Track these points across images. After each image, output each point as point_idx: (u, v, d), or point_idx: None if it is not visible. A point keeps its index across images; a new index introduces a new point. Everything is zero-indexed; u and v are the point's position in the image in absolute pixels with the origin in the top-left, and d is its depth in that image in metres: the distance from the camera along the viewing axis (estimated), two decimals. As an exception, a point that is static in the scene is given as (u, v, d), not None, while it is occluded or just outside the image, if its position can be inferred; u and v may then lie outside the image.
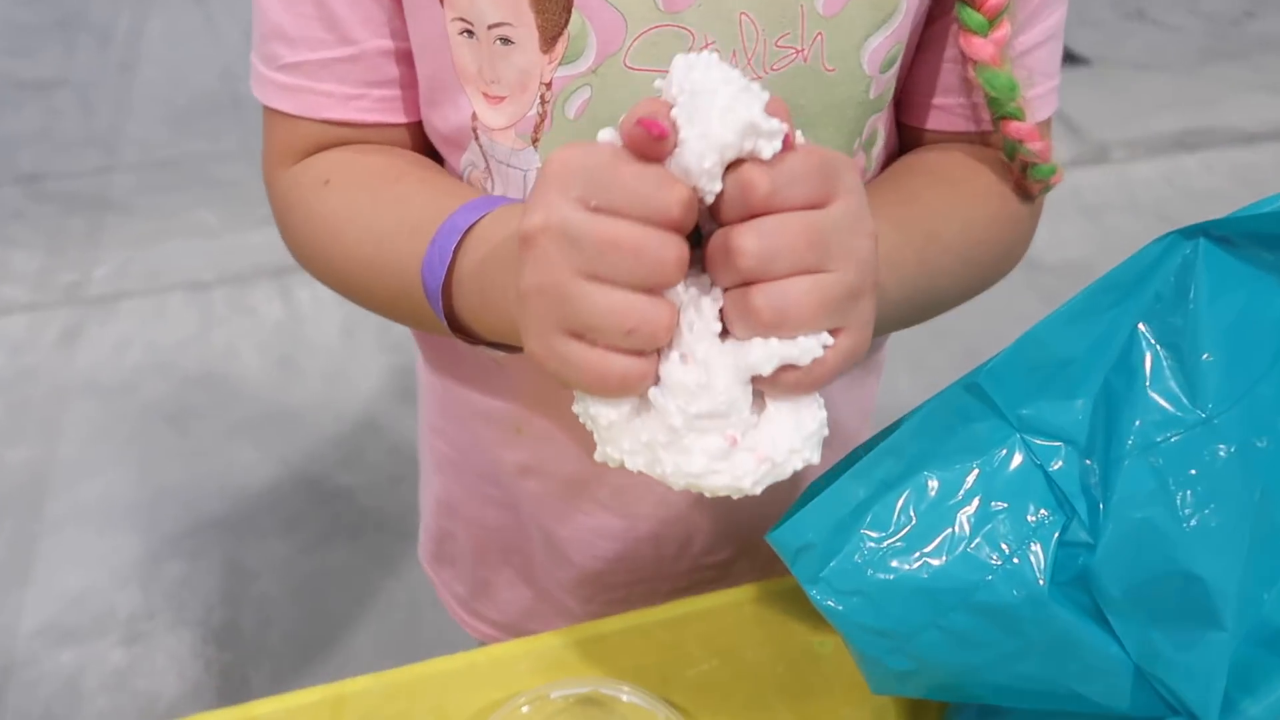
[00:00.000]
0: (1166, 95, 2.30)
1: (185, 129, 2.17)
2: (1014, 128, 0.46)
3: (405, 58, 0.48)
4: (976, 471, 0.38)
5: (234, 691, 1.24)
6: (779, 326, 0.33)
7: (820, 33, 0.44)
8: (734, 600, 0.51)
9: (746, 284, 0.33)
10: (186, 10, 2.57)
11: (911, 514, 0.37)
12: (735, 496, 0.35)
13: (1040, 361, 0.38)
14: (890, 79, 0.47)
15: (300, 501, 1.46)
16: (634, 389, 0.34)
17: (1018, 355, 0.38)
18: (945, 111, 0.51)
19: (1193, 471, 0.35)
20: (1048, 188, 0.49)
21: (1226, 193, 2.07)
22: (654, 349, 0.34)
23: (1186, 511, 0.35)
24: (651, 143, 0.32)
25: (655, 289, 0.33)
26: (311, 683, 1.34)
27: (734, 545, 0.61)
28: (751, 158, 0.32)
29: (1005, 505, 0.37)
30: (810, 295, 0.33)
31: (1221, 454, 0.36)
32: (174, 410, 1.59)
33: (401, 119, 0.49)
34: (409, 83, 0.48)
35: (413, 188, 0.47)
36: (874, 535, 0.37)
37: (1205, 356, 0.36)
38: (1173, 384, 0.37)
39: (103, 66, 2.40)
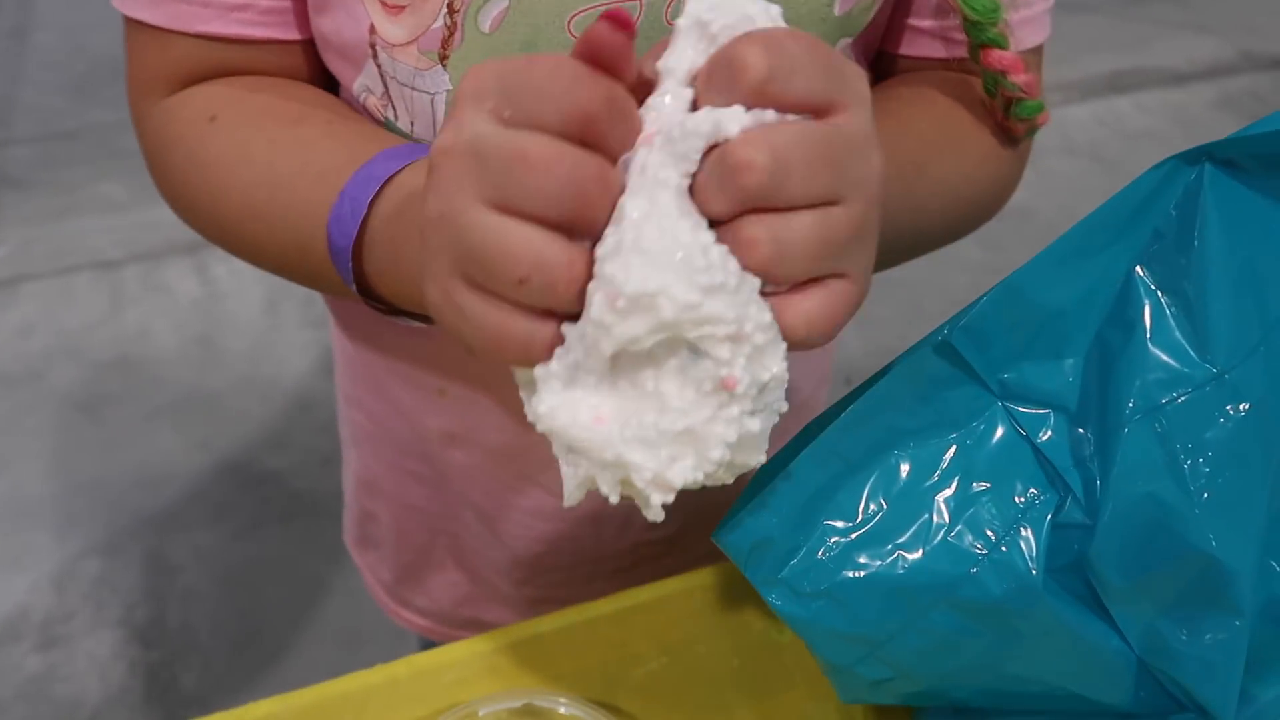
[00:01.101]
0: (1097, 37, 2.29)
1: (86, 98, 2.05)
2: (995, 56, 0.41)
3: None
4: (954, 447, 0.33)
5: (162, 693, 1.18)
6: (775, 267, 0.26)
7: None
8: (683, 588, 0.46)
9: (741, 213, 0.26)
10: (82, -31, 2.42)
11: (881, 500, 0.32)
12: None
13: (1022, 316, 0.33)
14: None
15: (226, 488, 1.39)
16: (535, 357, 0.27)
17: (995, 308, 0.32)
18: (920, 34, 0.46)
19: (1204, 436, 0.31)
20: (1034, 129, 0.44)
21: (1161, 133, 2.08)
22: (557, 308, 0.27)
23: (1198, 484, 0.30)
24: (609, 40, 0.26)
25: (577, 222, 0.26)
26: (245, 679, 1.27)
27: (679, 518, 0.56)
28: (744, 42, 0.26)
29: (989, 485, 0.32)
30: (816, 231, 0.26)
31: (1236, 414, 0.31)
32: (85, 397, 1.50)
33: (294, 35, 0.42)
34: None
35: (319, 129, 0.40)
36: (839, 526, 0.32)
37: (1215, 301, 0.31)
38: (1178, 335, 0.32)
39: (-8, 32, 2.25)
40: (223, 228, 0.43)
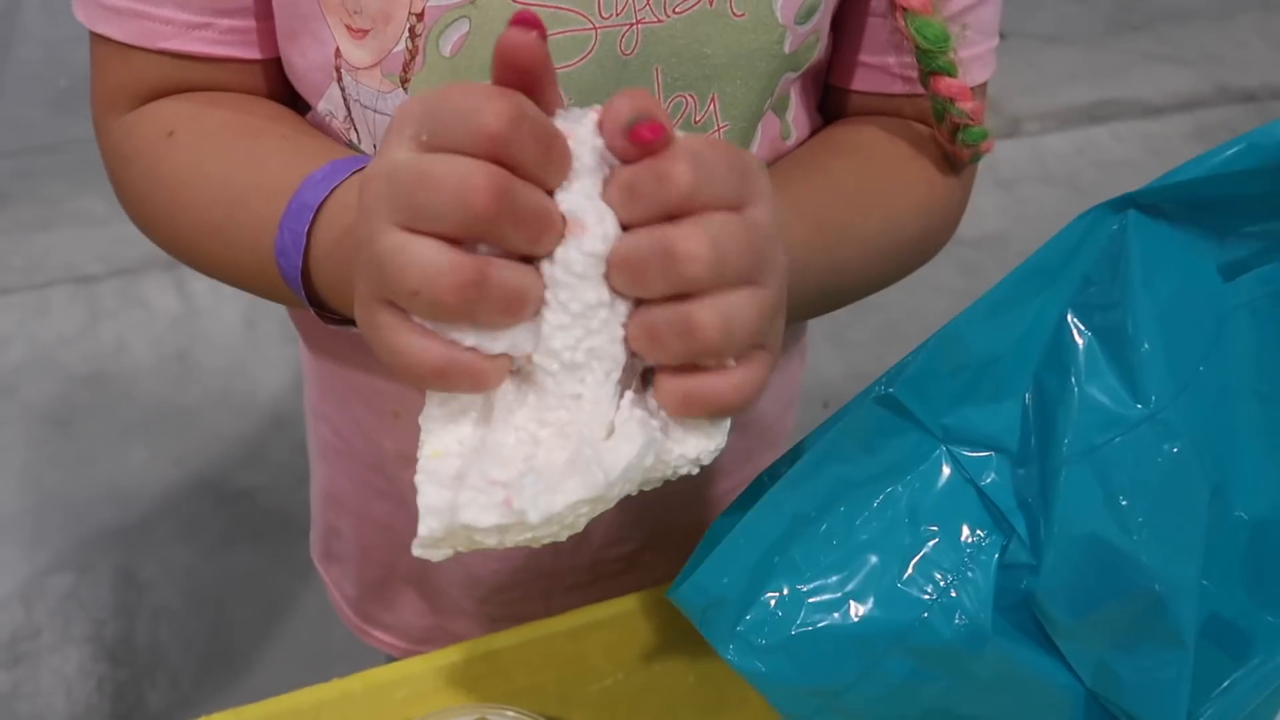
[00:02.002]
0: (1076, 67, 2.33)
1: (66, 112, 2.04)
2: (945, 84, 0.42)
3: None
4: (901, 494, 0.34)
5: (129, 711, 1.17)
6: (723, 346, 0.28)
7: None
8: (640, 605, 0.46)
9: (679, 297, 0.28)
10: (67, -15, 2.42)
11: (831, 551, 0.33)
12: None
13: (961, 362, 0.34)
14: (808, 34, 0.43)
15: (198, 504, 1.38)
16: (450, 384, 0.28)
17: (935, 357, 0.34)
18: (870, 70, 0.47)
19: (1140, 475, 0.32)
20: (978, 155, 0.46)
21: (1136, 162, 2.10)
22: (449, 320, 0.28)
23: (1137, 521, 0.31)
24: (520, 43, 0.27)
25: (470, 232, 0.27)
26: (214, 698, 1.26)
27: (639, 536, 0.57)
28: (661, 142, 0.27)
29: (936, 529, 0.33)
30: (752, 309, 0.28)
31: (1170, 452, 0.32)
32: (59, 412, 1.49)
33: (255, 54, 0.43)
34: (263, 14, 0.42)
35: (273, 144, 0.41)
36: (791, 580, 0.33)
37: (1144, 343, 0.32)
38: (1111, 377, 0.33)
39: (-25, 46, 2.25)
40: (182, 243, 0.43)
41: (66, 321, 1.63)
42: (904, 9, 0.41)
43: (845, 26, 0.46)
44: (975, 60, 0.46)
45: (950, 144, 0.45)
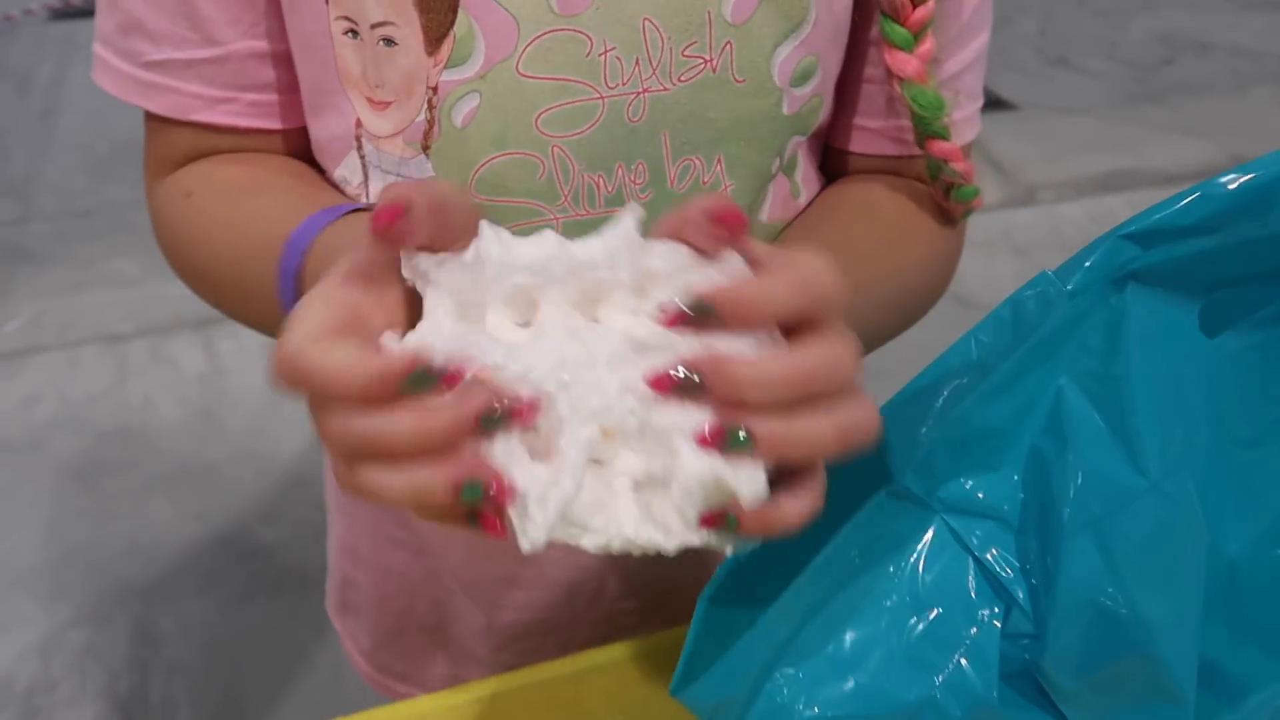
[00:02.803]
0: (1090, 138, 2.36)
1: (106, 176, 2.11)
2: (939, 147, 0.44)
3: (281, 60, 0.44)
4: (902, 569, 0.34)
5: (139, 767, 1.16)
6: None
7: (729, 41, 0.42)
8: (641, 650, 0.47)
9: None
10: (112, 58, 2.52)
11: (838, 636, 0.33)
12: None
13: (958, 435, 0.34)
14: (808, 97, 0.45)
15: (216, 559, 1.40)
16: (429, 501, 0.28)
17: (941, 442, 0.34)
18: (869, 133, 0.49)
19: (1143, 545, 0.32)
20: (969, 211, 0.48)
21: (1153, 231, 2.11)
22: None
23: (1140, 588, 0.31)
24: (386, 234, 0.28)
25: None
26: (221, 755, 1.23)
27: (652, 592, 0.57)
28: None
29: (939, 605, 0.33)
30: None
31: (1171, 520, 0.33)
32: (85, 467, 1.51)
33: (277, 125, 0.46)
34: (285, 87, 0.45)
35: (272, 200, 0.43)
36: (798, 667, 0.33)
37: (1143, 413, 0.32)
38: (1111, 446, 0.33)
39: (22, 114, 2.34)
40: (211, 298, 0.46)
41: (96, 379, 1.67)
42: (900, 77, 0.44)
43: (844, 91, 0.48)
44: (964, 122, 0.48)
45: (945, 201, 0.47)
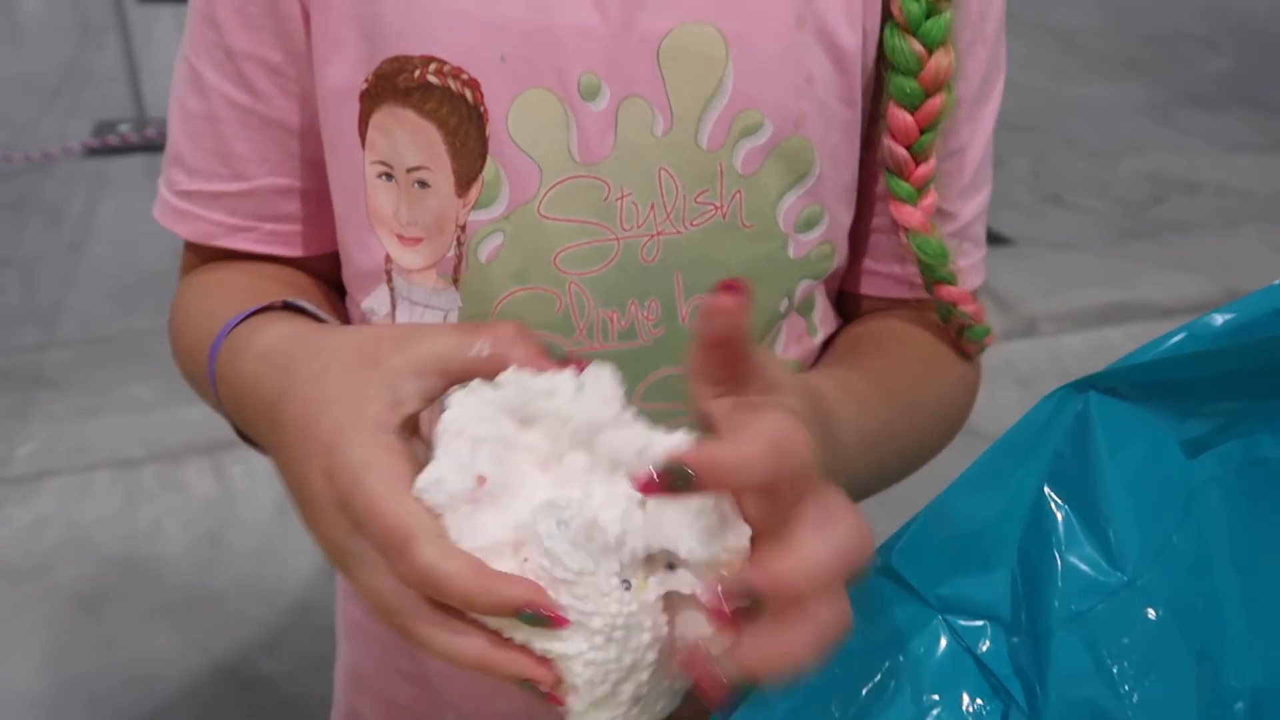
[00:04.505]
0: (1087, 272, 2.42)
1: (129, 305, 2.16)
2: (947, 291, 0.47)
3: (307, 195, 0.48)
4: (902, 663, 0.35)
5: None
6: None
7: (739, 190, 0.45)
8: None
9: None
10: (141, 191, 2.61)
11: None
12: None
13: (951, 533, 0.36)
14: (815, 243, 0.48)
15: (218, 691, 1.37)
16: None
17: (927, 529, 0.36)
18: (880, 278, 0.51)
19: (1125, 640, 0.33)
20: (982, 348, 0.50)
21: (1153, 363, 2.14)
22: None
23: (1127, 686, 0.33)
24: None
25: None
26: None
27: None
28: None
29: (938, 699, 0.34)
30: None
31: (1151, 617, 0.34)
32: (88, 594, 1.50)
33: (296, 253, 0.50)
34: (308, 218, 0.49)
35: (228, 300, 0.45)
36: None
37: (1117, 514, 0.35)
38: (1088, 547, 0.35)
39: (52, 245, 2.41)
40: (189, 384, 0.49)
41: (105, 504, 1.67)
42: (906, 228, 0.46)
43: (856, 239, 0.51)
44: (971, 268, 0.51)
45: (958, 341, 0.49)
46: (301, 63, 0.45)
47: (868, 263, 0.51)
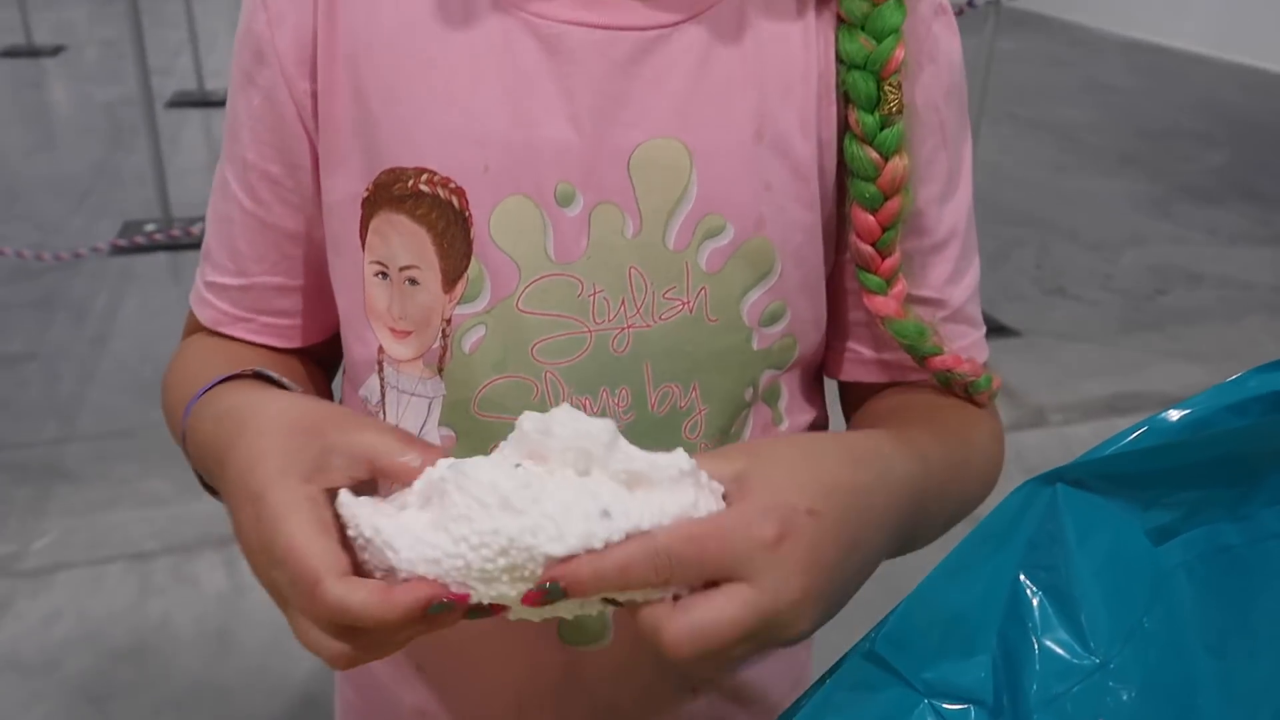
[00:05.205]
0: (1094, 363, 2.44)
1: (148, 399, 2.17)
2: (937, 361, 0.50)
3: (298, 292, 0.53)
4: None
5: None
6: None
7: (704, 287, 0.48)
8: None
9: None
10: (164, 288, 2.69)
11: None
12: None
13: (934, 619, 0.38)
14: (778, 336, 0.50)
15: (221, 788, 1.35)
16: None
17: (910, 615, 0.38)
18: (873, 364, 0.53)
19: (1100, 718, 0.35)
20: (994, 394, 0.52)
21: (1162, 453, 2.13)
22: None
23: None
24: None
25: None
26: None
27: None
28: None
29: None
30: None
31: (1124, 698, 0.36)
32: (97, 688, 1.50)
33: (290, 345, 0.54)
34: (300, 314, 0.53)
35: (208, 365, 0.50)
36: None
37: (1088, 599, 0.36)
38: (1062, 631, 0.37)
39: (75, 340, 2.47)
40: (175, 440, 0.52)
41: (117, 597, 1.67)
42: (881, 317, 0.49)
43: (856, 331, 0.53)
44: (973, 345, 0.52)
45: (967, 399, 0.51)
46: (301, 175, 0.50)
47: (868, 353, 0.53)
